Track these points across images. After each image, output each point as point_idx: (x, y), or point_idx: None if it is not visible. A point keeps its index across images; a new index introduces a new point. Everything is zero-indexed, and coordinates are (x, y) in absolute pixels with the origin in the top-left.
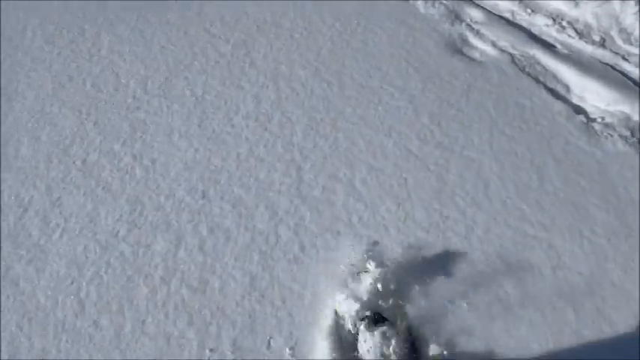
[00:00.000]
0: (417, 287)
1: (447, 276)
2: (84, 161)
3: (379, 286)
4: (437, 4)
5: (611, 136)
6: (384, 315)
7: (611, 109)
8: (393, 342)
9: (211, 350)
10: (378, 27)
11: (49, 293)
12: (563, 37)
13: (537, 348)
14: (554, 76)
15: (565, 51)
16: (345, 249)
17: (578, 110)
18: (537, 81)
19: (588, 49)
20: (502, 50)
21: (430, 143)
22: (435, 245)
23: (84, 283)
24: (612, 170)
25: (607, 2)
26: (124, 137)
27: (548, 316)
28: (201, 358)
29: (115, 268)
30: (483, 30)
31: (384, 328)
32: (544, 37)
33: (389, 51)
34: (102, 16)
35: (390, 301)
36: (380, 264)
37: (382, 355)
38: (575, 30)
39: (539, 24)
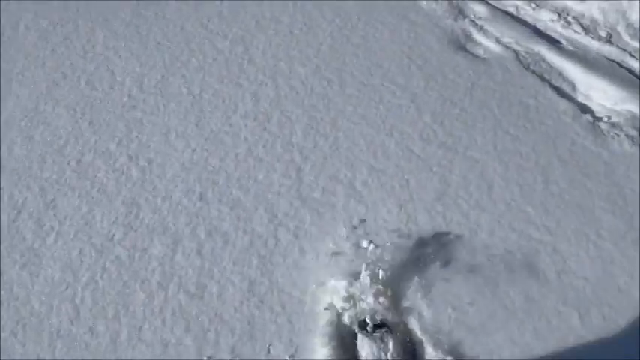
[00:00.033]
0: (418, 292)
1: (450, 281)
2: (79, 162)
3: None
4: None
5: (618, 136)
6: (383, 320)
7: (618, 108)
8: (391, 347)
9: (209, 357)
10: (380, 22)
11: (44, 299)
12: (568, 32)
13: (542, 355)
14: (560, 74)
15: (570, 47)
16: (346, 252)
17: (584, 109)
18: (542, 79)
19: (594, 45)
20: (506, 47)
21: (433, 143)
22: (437, 249)
23: (79, 288)
24: (619, 172)
25: None
26: (120, 137)
27: (553, 323)
28: None
29: (111, 272)
30: (487, 26)
31: (382, 332)
32: (549, 32)
33: (390, 47)
34: (96, 11)
35: (391, 308)
36: (381, 268)
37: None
38: (581, 25)
39: (544, 19)
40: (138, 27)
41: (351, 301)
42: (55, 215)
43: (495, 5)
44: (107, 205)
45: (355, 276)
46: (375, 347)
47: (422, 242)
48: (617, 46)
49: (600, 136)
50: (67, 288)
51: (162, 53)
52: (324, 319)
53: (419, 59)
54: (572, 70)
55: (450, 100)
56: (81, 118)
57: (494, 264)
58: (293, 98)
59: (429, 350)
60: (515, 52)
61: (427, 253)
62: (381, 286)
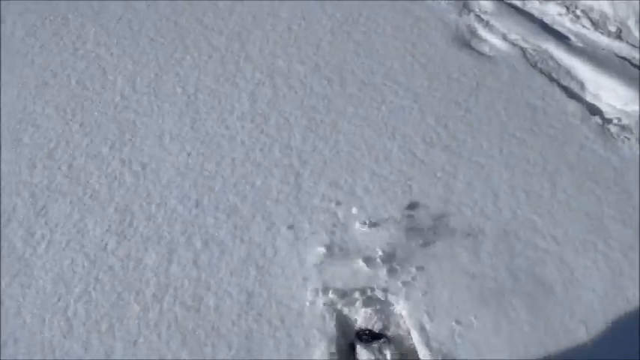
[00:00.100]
0: (420, 303)
1: (454, 293)
2: (70, 166)
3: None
4: None
5: (628, 139)
6: (382, 331)
7: (628, 109)
8: (389, 358)
9: None
10: (382, 17)
11: (36, 311)
12: (577, 27)
13: None
14: (568, 72)
15: (579, 44)
16: (346, 264)
17: (593, 111)
18: (550, 78)
19: (604, 40)
20: (513, 44)
21: (437, 147)
22: (441, 259)
23: (72, 301)
24: (629, 177)
25: None
26: (112, 140)
27: (559, 338)
28: None
29: (104, 284)
30: (493, 21)
31: (380, 343)
32: (557, 27)
33: (393, 44)
34: (86, 5)
35: (391, 320)
36: (384, 281)
37: None
38: (590, 20)
39: (552, 13)
40: (130, 22)
41: (353, 313)
42: (45, 223)
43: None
44: (100, 213)
45: (357, 286)
46: (373, 358)
47: (426, 253)
48: (627, 41)
49: (610, 140)
50: (59, 300)
51: (156, 50)
52: (323, 332)
53: (422, 57)
54: (581, 69)
55: (454, 100)
56: (71, 120)
57: (499, 275)
58: (292, 98)
59: None
60: (522, 50)
61: (430, 262)
62: (381, 298)
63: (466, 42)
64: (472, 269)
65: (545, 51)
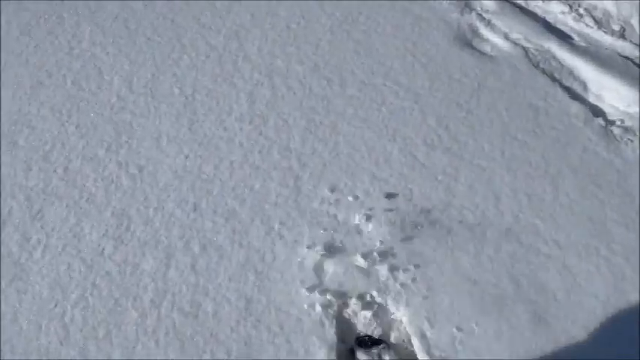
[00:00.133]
0: (421, 310)
1: (455, 298)
2: (66, 169)
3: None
4: None
5: (632, 141)
6: (382, 337)
7: (631, 110)
8: None
9: None
10: (382, 16)
11: (32, 317)
12: (580, 26)
13: None
14: (571, 73)
15: (582, 43)
16: (346, 268)
17: (596, 112)
18: (553, 79)
19: (607, 39)
20: (515, 43)
21: (438, 149)
22: (442, 265)
23: (68, 307)
24: (632, 181)
25: None
26: (109, 142)
27: (561, 345)
28: None
29: (102, 289)
30: (495, 20)
31: (380, 349)
32: (559, 26)
33: (393, 43)
34: (82, 3)
35: (392, 326)
36: (384, 286)
37: None
38: (594, 18)
39: (555, 11)
40: (126, 20)
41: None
42: (41, 227)
43: None
44: (96, 217)
45: (357, 291)
46: None
47: (426, 258)
48: (631, 41)
49: (613, 142)
50: (55, 306)
51: (153, 50)
52: (323, 338)
53: (423, 57)
54: (584, 69)
55: (455, 101)
56: (67, 121)
57: (501, 280)
58: (290, 99)
59: None
60: (525, 49)
61: (431, 267)
62: (381, 304)
63: (468, 41)
64: (473, 274)
65: (548, 51)
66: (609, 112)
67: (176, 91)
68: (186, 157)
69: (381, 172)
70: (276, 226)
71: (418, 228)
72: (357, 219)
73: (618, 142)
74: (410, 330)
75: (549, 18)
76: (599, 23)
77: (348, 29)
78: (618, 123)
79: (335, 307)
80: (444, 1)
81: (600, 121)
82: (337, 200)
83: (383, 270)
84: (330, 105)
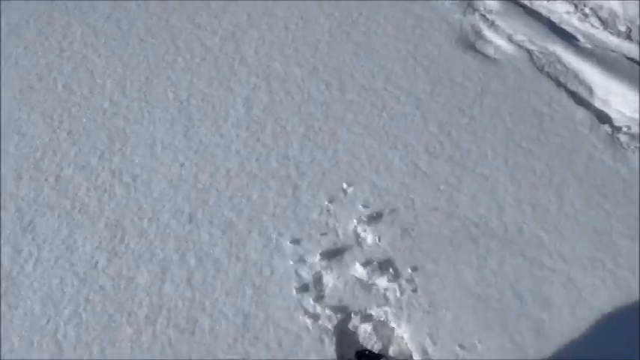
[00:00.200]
0: (423, 325)
1: (457, 314)
2: (57, 178)
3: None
4: None
5: (638, 149)
6: (382, 352)
7: (637, 116)
8: None
9: None
10: (382, 17)
11: (24, 334)
12: (585, 26)
13: None
14: (576, 76)
15: (588, 45)
16: (346, 281)
17: (602, 118)
18: (558, 83)
19: (613, 41)
20: (519, 45)
21: (440, 157)
22: (445, 279)
23: (61, 323)
24: (638, 190)
25: None
26: (102, 149)
27: None
28: None
29: (95, 304)
30: (499, 21)
31: None
32: (564, 26)
33: (394, 45)
34: (73, 2)
35: (393, 342)
36: (385, 300)
37: None
38: (599, 18)
39: (560, 11)
40: (119, 21)
41: (351, 330)
42: (33, 239)
43: None
44: (89, 228)
45: (357, 306)
46: None
47: (428, 271)
48: (637, 42)
49: (619, 150)
50: (48, 322)
51: (146, 52)
52: (322, 355)
53: (425, 60)
54: (590, 72)
55: (458, 107)
56: (59, 127)
57: (504, 295)
58: (288, 104)
59: None
60: (529, 52)
61: (433, 281)
62: (382, 318)
63: (470, 43)
64: (476, 289)
65: (553, 53)
66: (615, 118)
67: (170, 95)
68: (182, 165)
69: (382, 182)
70: (275, 237)
71: (420, 240)
72: (357, 230)
73: (625, 150)
74: (411, 346)
75: (554, 18)
76: (604, 24)
77: (347, 30)
78: (625, 130)
79: (335, 323)
80: (446, 1)
81: (606, 127)
82: (336, 211)
83: (383, 283)
84: (329, 110)
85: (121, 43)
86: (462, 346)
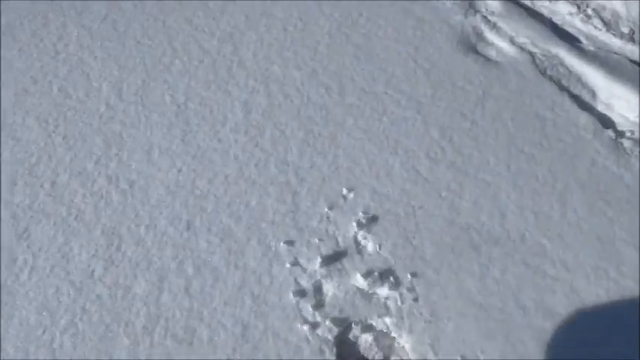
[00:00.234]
0: (426, 337)
1: (459, 324)
2: (53, 183)
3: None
4: None
5: None
6: None
7: None
8: None
9: None
10: (383, 18)
11: (19, 344)
12: (588, 28)
13: None
14: (579, 80)
15: (591, 47)
16: (347, 290)
17: (605, 122)
18: (560, 86)
19: (616, 43)
20: (521, 48)
21: (441, 163)
22: (446, 288)
23: (57, 333)
24: None
25: None
26: (98, 154)
27: None
28: None
29: (92, 314)
30: (500, 23)
31: None
32: (567, 27)
33: (394, 48)
34: (68, 2)
35: (394, 353)
36: (386, 309)
37: None
38: (602, 20)
39: (562, 12)
40: (115, 22)
41: (351, 341)
42: (28, 247)
43: None
44: (85, 235)
45: (357, 315)
46: None
47: (429, 280)
48: None
49: (623, 156)
50: (44, 332)
51: (143, 54)
52: None
53: (426, 62)
54: (593, 75)
55: (459, 111)
56: (54, 132)
57: (507, 305)
58: (287, 108)
59: None
60: (531, 55)
61: (435, 289)
62: (382, 328)
63: (472, 46)
64: (478, 298)
65: (556, 56)
66: (619, 123)
67: (168, 99)
68: (179, 170)
69: (382, 188)
70: (274, 245)
71: (421, 248)
72: (358, 238)
73: (628, 156)
74: (413, 357)
75: (556, 19)
76: (607, 25)
77: (347, 32)
78: (628, 134)
79: (335, 333)
80: (447, 2)
81: (610, 132)
82: (336, 218)
83: (384, 292)
84: (328, 114)
85: (117, 45)
86: (464, 357)
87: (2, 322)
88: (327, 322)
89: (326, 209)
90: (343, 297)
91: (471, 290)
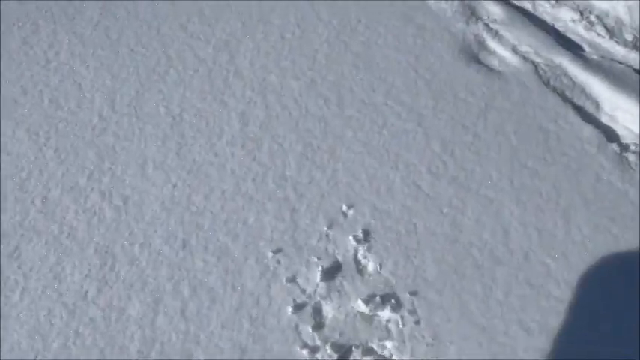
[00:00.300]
0: (427, 357)
1: (462, 348)
2: (44, 200)
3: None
4: None
5: None
6: None
7: None
8: None
9: None
10: (382, 26)
11: None
12: (591, 35)
13: None
14: (583, 91)
15: (594, 56)
16: (347, 312)
17: (610, 135)
18: (564, 98)
19: (619, 51)
20: (524, 57)
21: (443, 178)
22: (449, 310)
23: (50, 358)
24: None
25: None
26: (90, 169)
27: None
28: None
29: (85, 338)
30: (503, 31)
31: None
32: (570, 35)
33: (394, 57)
34: (59, 8)
35: None
36: (387, 332)
37: None
38: (605, 27)
39: (565, 19)
40: (107, 29)
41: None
42: (19, 267)
43: (511, 3)
44: (78, 254)
45: (358, 338)
46: None
47: (432, 302)
48: None
49: (628, 171)
50: (36, 357)
51: (136, 63)
52: None
53: (427, 72)
54: (597, 86)
55: (461, 124)
56: (45, 145)
57: (510, 328)
58: (285, 120)
59: None
60: (534, 65)
61: (437, 311)
62: (383, 352)
63: (474, 55)
64: (481, 320)
65: (559, 66)
66: (623, 135)
67: (162, 110)
68: (174, 186)
69: (383, 204)
70: (272, 265)
71: (422, 268)
72: (358, 257)
73: (633, 172)
74: None
75: (559, 26)
76: (610, 32)
77: (346, 40)
78: (632, 148)
79: (335, 357)
80: (449, 9)
81: (614, 146)
82: (336, 236)
83: (385, 314)
84: (327, 127)
85: (109, 54)
86: None
87: None
88: (327, 347)
89: (325, 228)
90: (343, 319)
91: (473, 312)
